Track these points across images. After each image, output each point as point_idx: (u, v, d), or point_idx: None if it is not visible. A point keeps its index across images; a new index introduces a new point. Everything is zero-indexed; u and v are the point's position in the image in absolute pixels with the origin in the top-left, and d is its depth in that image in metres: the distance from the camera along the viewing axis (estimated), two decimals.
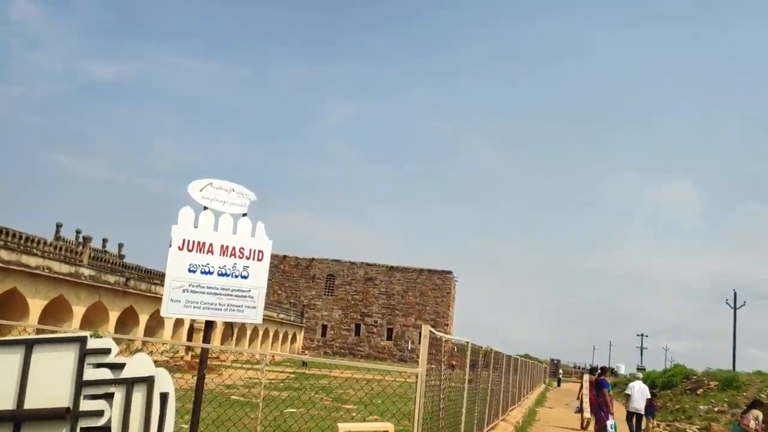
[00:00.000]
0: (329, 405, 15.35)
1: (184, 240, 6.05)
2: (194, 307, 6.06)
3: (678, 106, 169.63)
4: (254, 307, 6.44)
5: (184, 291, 6.01)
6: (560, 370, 67.89)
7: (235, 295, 6.29)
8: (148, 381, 3.59)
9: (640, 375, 20.39)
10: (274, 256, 61.87)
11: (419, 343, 7.60)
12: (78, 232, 38.14)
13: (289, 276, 73.69)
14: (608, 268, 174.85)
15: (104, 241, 42.15)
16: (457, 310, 75.13)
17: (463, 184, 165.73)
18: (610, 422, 14.19)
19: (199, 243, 6.09)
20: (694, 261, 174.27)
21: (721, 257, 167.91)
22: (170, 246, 6.00)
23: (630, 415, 16.38)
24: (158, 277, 35.34)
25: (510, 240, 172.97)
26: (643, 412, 16.40)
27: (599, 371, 16.53)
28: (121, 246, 44.02)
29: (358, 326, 73.42)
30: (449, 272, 74.30)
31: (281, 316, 58.84)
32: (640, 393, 16.34)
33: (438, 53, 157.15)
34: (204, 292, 6.10)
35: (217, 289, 6.19)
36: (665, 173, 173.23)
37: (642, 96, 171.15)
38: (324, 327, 73.47)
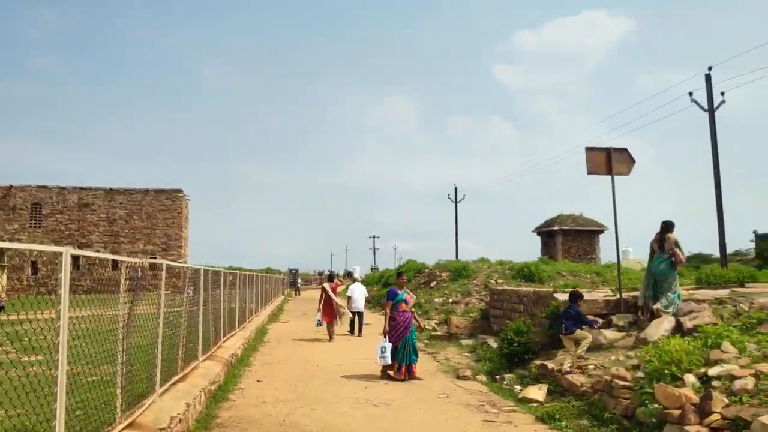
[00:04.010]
0: (12, 358, 10.66)
1: None
2: None
3: (394, 26, 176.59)
4: None
5: None
6: (299, 279, 67.52)
7: None
8: None
9: (358, 277, 20.69)
10: None
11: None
12: None
13: None
14: (341, 180, 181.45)
15: None
16: (195, 232, 70.14)
17: (193, 101, 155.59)
18: (381, 344, 10.70)
19: None
20: (415, 168, 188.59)
21: (438, 163, 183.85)
22: None
23: (353, 314, 18.55)
24: None
25: (247, 160, 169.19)
26: (363, 310, 18.90)
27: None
28: None
29: (76, 259, 64.31)
30: (179, 191, 68.02)
31: None
32: (360, 294, 18.66)
33: None
34: None
35: None
36: (387, 89, 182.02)
37: (361, 17, 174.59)
38: (34, 264, 63.11)
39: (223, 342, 12.02)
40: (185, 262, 58.76)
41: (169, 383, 7.03)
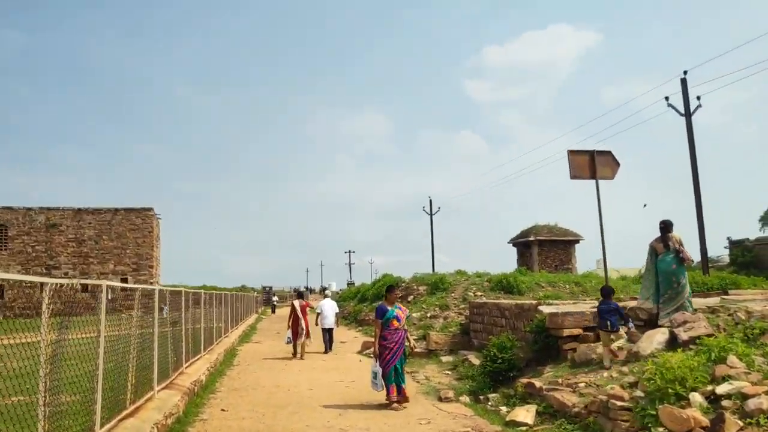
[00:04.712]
0: None
1: None
2: None
3: (361, 47, 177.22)
4: None
5: None
6: (274, 297, 66.23)
7: None
8: None
9: (329, 293, 20.53)
10: None
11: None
12: None
13: None
14: (316, 196, 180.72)
15: None
16: (168, 251, 68.55)
17: (162, 119, 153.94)
18: (373, 368, 9.64)
19: None
20: (389, 182, 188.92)
21: (410, 178, 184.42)
22: None
23: (324, 332, 18.17)
24: None
25: (220, 177, 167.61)
26: (334, 327, 18.61)
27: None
28: None
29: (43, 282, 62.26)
30: (149, 209, 66.30)
31: None
32: (330, 310, 18.48)
33: None
34: None
35: None
36: (359, 106, 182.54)
37: (332, 34, 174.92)
38: (0, 288, 61.06)
39: (186, 368, 11.12)
40: (157, 282, 57.22)
41: (116, 420, 6.20)
